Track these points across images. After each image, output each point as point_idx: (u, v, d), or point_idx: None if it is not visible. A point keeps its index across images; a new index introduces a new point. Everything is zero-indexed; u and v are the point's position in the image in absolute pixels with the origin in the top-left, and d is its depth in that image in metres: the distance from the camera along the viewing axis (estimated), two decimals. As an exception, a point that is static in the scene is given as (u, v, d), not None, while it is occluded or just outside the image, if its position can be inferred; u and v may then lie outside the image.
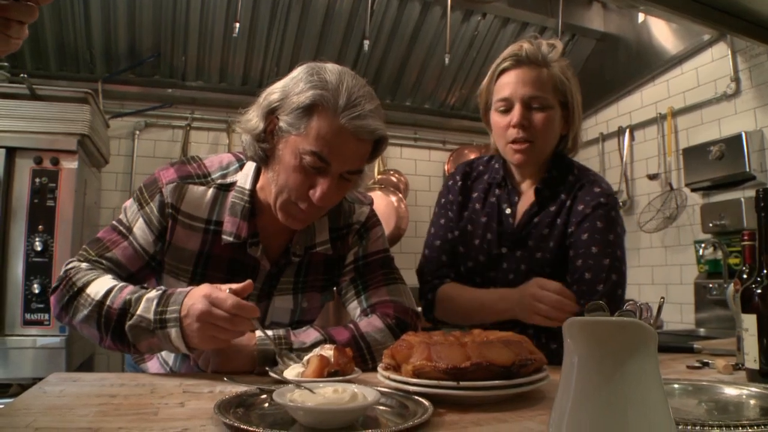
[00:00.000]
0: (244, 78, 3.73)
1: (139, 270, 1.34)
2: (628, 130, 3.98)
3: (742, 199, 3.13)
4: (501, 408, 0.92)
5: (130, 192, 3.43)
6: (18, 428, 0.75)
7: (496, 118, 1.55)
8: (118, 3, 3.18)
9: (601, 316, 0.68)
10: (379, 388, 0.91)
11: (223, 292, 1.09)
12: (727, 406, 0.93)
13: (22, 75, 2.63)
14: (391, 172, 4.19)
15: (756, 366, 1.12)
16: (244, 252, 1.34)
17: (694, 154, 3.38)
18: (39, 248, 2.39)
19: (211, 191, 1.34)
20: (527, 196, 1.60)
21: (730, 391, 0.97)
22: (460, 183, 1.70)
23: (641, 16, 3.77)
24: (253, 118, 1.28)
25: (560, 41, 1.59)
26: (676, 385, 1.00)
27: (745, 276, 1.34)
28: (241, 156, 1.40)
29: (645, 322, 0.55)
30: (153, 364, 1.45)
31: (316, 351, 1.10)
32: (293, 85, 1.23)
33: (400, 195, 4.08)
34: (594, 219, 1.50)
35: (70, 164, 2.49)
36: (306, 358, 1.09)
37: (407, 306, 1.42)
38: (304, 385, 0.88)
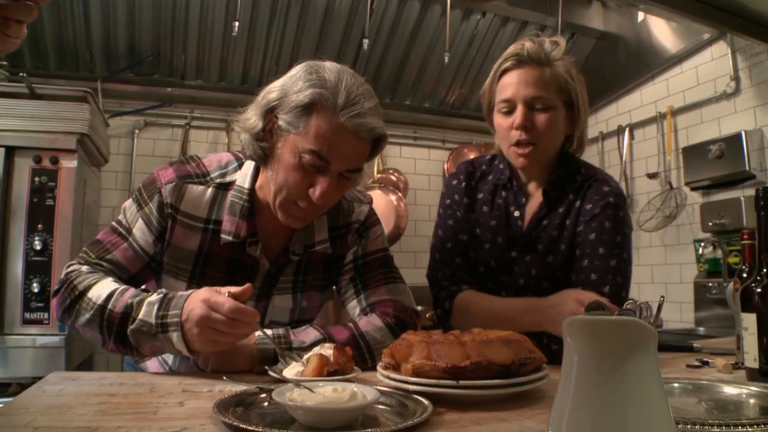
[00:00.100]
0: (244, 77, 3.73)
1: (140, 271, 1.34)
2: (627, 129, 3.98)
3: (742, 198, 3.14)
4: (500, 407, 0.92)
5: (129, 191, 3.43)
6: (17, 427, 0.75)
7: (499, 120, 1.53)
8: (117, 2, 3.17)
9: (601, 314, 0.68)
10: (378, 387, 0.91)
11: (222, 296, 1.09)
12: (727, 405, 0.93)
13: (21, 74, 2.62)
14: (391, 171, 4.19)
15: (756, 365, 1.12)
16: (243, 251, 1.34)
17: (694, 153, 3.38)
18: (38, 247, 2.38)
19: (210, 190, 1.34)
20: (535, 197, 1.57)
21: (730, 390, 0.97)
22: (464, 184, 1.66)
23: (641, 15, 3.77)
24: (251, 117, 1.27)
25: (563, 38, 1.55)
26: (675, 384, 1.00)
27: (744, 275, 1.34)
28: (240, 155, 1.40)
29: (645, 321, 0.55)
30: (152, 364, 1.45)
31: (316, 350, 1.10)
32: (292, 84, 1.22)
33: (400, 194, 4.08)
34: (602, 219, 1.48)
35: (69, 163, 2.49)
36: (305, 357, 1.09)
37: (407, 305, 1.42)
38: (304, 384, 0.88)
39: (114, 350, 1.21)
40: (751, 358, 1.13)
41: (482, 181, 1.66)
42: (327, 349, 1.09)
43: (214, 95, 3.68)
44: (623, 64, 3.97)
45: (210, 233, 1.33)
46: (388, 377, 0.98)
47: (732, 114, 3.32)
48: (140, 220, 1.32)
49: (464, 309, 1.53)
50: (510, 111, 1.49)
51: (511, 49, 1.51)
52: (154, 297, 1.17)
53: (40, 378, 1.09)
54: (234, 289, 1.11)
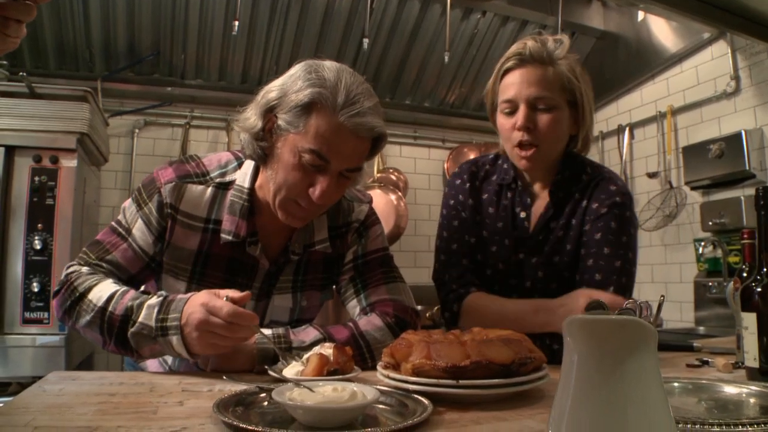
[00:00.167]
0: (244, 76, 3.72)
1: (140, 271, 1.34)
2: (627, 129, 3.98)
3: (742, 198, 3.14)
4: (500, 406, 0.92)
5: (129, 190, 3.42)
6: (17, 427, 0.75)
7: (502, 120, 1.51)
8: (117, 1, 3.17)
9: (602, 314, 0.68)
10: (378, 387, 0.91)
11: (221, 300, 1.09)
12: (727, 405, 0.93)
13: (21, 73, 2.62)
14: (391, 171, 4.19)
15: (756, 364, 1.12)
16: (243, 251, 1.34)
17: (694, 153, 3.38)
18: (38, 247, 2.38)
19: (210, 190, 1.34)
20: (541, 198, 1.55)
21: (730, 390, 0.97)
22: (468, 184, 1.63)
23: (641, 14, 3.77)
24: (251, 116, 1.27)
25: (567, 36, 1.52)
26: (675, 384, 1.00)
27: (744, 274, 1.34)
28: (240, 154, 1.40)
29: (645, 321, 0.55)
30: (152, 363, 1.45)
31: (316, 349, 1.09)
32: (291, 83, 1.22)
33: (400, 193, 4.08)
34: (608, 219, 1.47)
35: (69, 163, 2.49)
36: (305, 356, 1.09)
37: (406, 304, 1.41)
38: (304, 383, 0.88)
39: (114, 351, 1.22)
40: (751, 357, 1.13)
41: (486, 182, 1.63)
42: (327, 349, 1.09)
43: (214, 94, 3.68)
44: (623, 64, 3.97)
45: (210, 233, 1.33)
46: (388, 377, 0.98)
47: (732, 113, 3.32)
48: (140, 221, 1.32)
49: (473, 312, 1.50)
50: (512, 111, 1.47)
51: (514, 48, 1.48)
52: (154, 300, 1.18)
53: (40, 377, 1.09)
54: (232, 293, 1.11)
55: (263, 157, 1.29)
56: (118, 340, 1.19)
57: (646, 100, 3.89)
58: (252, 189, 1.34)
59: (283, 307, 1.44)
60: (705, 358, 1.40)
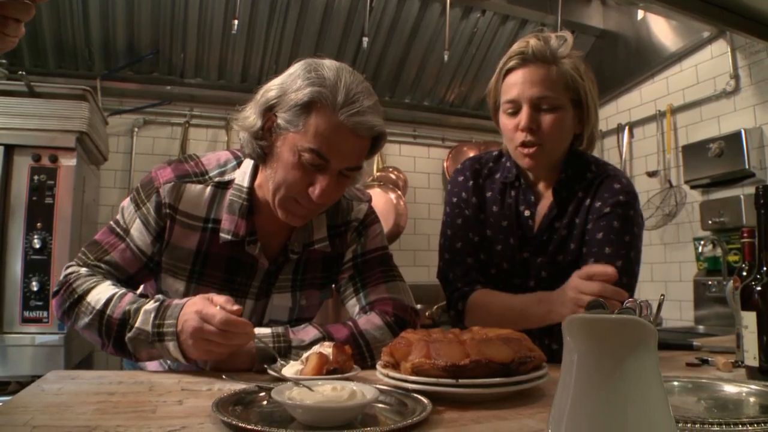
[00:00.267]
0: (243, 75, 3.72)
1: (138, 271, 1.34)
2: (627, 128, 3.99)
3: (742, 197, 3.14)
4: (500, 405, 0.92)
5: (128, 189, 3.42)
6: (16, 426, 0.75)
7: (505, 121, 1.48)
8: (116, 0, 3.17)
9: (601, 313, 0.68)
10: (377, 386, 0.91)
11: (214, 307, 1.10)
12: (727, 404, 0.92)
13: (20, 72, 2.62)
14: (390, 170, 4.19)
15: (756, 363, 1.12)
16: (242, 250, 1.34)
17: (694, 152, 3.38)
18: (37, 246, 2.38)
19: (209, 189, 1.33)
20: (545, 197, 1.54)
21: (730, 389, 0.97)
22: (471, 182, 1.61)
23: (640, 13, 3.77)
24: (250, 115, 1.27)
25: (570, 33, 1.49)
26: (675, 383, 1.00)
27: (744, 273, 1.34)
28: (239, 153, 1.40)
29: (645, 320, 0.55)
30: (151, 362, 1.45)
31: (315, 348, 1.09)
32: (291, 82, 1.22)
33: (399, 192, 4.08)
34: (611, 218, 1.45)
35: (68, 162, 2.48)
36: (305, 355, 1.09)
37: (406, 303, 1.41)
38: (303, 382, 0.88)
39: (113, 353, 1.23)
40: (751, 356, 1.13)
41: (489, 179, 1.62)
42: (326, 348, 1.08)
43: (214, 93, 3.68)
44: (623, 63, 3.97)
45: (209, 232, 1.33)
46: (388, 376, 0.98)
47: (732, 112, 3.32)
48: (138, 221, 1.32)
49: (478, 309, 1.49)
50: (515, 112, 1.45)
51: (516, 47, 1.46)
52: (151, 305, 1.18)
53: (39, 377, 1.09)
54: (225, 303, 1.10)
55: (262, 156, 1.28)
56: (117, 343, 1.20)
57: (645, 99, 3.89)
58: (251, 188, 1.34)
59: (282, 306, 1.44)
60: (705, 357, 1.40)
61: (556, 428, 0.56)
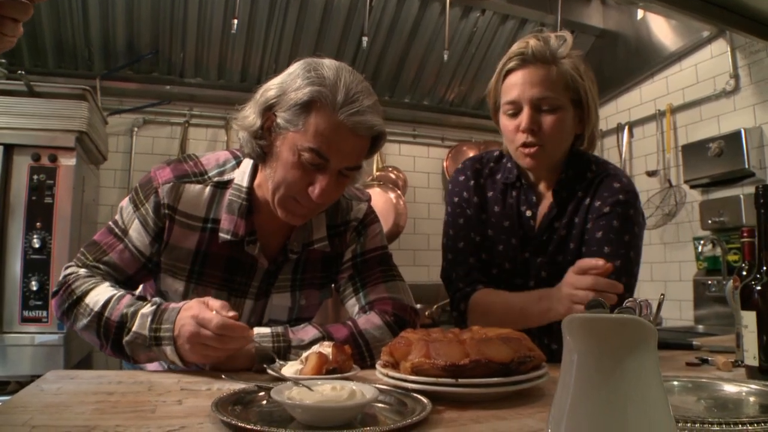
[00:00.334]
0: (243, 74, 3.72)
1: (137, 272, 1.34)
2: (627, 127, 3.98)
3: (741, 196, 3.14)
4: (500, 405, 0.92)
5: (128, 189, 3.42)
6: (15, 426, 0.75)
7: (505, 122, 1.48)
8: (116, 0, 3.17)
9: (601, 312, 0.68)
10: (377, 386, 0.91)
11: (210, 311, 1.10)
12: (727, 404, 0.92)
13: (19, 72, 2.62)
14: (390, 169, 4.19)
15: (755, 363, 1.12)
16: (242, 250, 1.34)
17: (693, 151, 3.38)
18: (37, 245, 2.38)
19: (208, 189, 1.33)
20: (546, 198, 1.54)
21: (730, 389, 0.97)
22: (472, 181, 1.60)
23: (640, 13, 3.77)
24: (250, 114, 1.27)
25: (569, 33, 1.48)
26: (675, 382, 1.00)
27: (744, 273, 1.34)
28: (238, 153, 1.39)
29: (645, 319, 0.55)
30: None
31: (315, 348, 1.09)
32: (290, 82, 1.22)
33: (399, 192, 4.08)
34: (611, 218, 1.44)
35: (68, 161, 2.48)
36: (304, 355, 1.09)
37: (406, 303, 1.41)
38: (303, 382, 0.88)
39: (112, 355, 1.23)
40: (751, 356, 1.13)
41: (491, 179, 1.61)
42: (326, 348, 1.08)
43: (213, 93, 3.67)
44: (623, 62, 3.96)
45: (208, 232, 1.33)
46: (387, 375, 0.98)
47: (731, 112, 3.32)
48: (136, 221, 1.32)
49: (480, 309, 1.49)
50: (516, 113, 1.45)
51: (515, 47, 1.45)
52: (147, 309, 1.18)
53: (38, 376, 1.09)
54: (219, 308, 1.11)
55: (262, 156, 1.28)
56: (115, 345, 1.20)
57: (645, 98, 3.88)
58: (250, 188, 1.34)
59: (281, 305, 1.43)
60: (704, 357, 1.40)
61: (556, 428, 0.56)
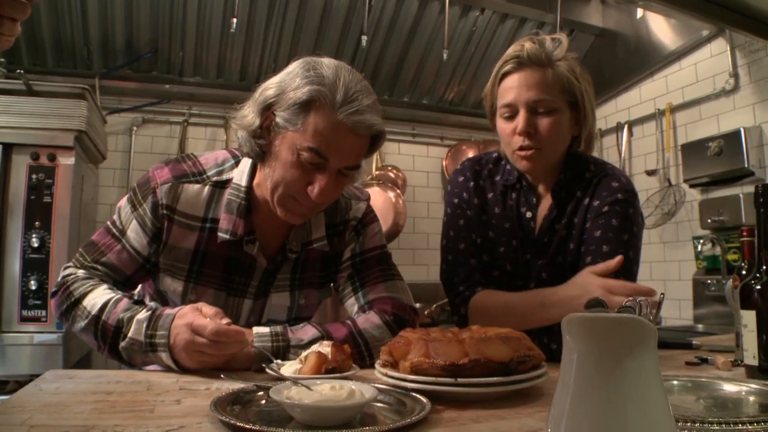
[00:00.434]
0: (242, 73, 3.72)
1: (135, 273, 1.35)
2: (626, 126, 3.98)
3: (741, 195, 3.13)
4: (499, 405, 0.91)
5: (127, 188, 3.42)
6: (13, 426, 0.75)
7: (502, 125, 1.48)
8: (115, -2, 3.17)
9: (601, 312, 0.68)
10: (376, 385, 0.91)
11: (204, 318, 1.11)
12: (726, 403, 0.92)
13: (18, 71, 2.62)
14: (389, 168, 4.19)
15: (755, 362, 1.12)
16: (241, 249, 1.34)
17: (693, 150, 3.38)
18: (36, 245, 2.38)
19: (207, 189, 1.33)
20: (546, 199, 1.54)
21: (729, 388, 0.97)
22: (472, 183, 1.60)
23: (640, 12, 3.77)
24: (248, 114, 1.26)
25: (565, 35, 1.48)
26: (675, 382, 0.99)
27: (743, 272, 1.34)
28: (237, 152, 1.39)
29: (644, 318, 0.55)
30: (149, 362, 1.45)
31: (314, 348, 1.09)
32: (289, 81, 1.21)
33: (398, 191, 4.08)
34: (609, 216, 1.44)
35: (67, 160, 2.48)
36: (303, 354, 1.09)
37: (405, 302, 1.41)
38: (302, 382, 0.88)
39: (109, 357, 1.24)
40: (751, 355, 1.13)
41: (490, 181, 1.61)
42: (325, 347, 1.08)
43: (212, 92, 3.67)
44: (622, 61, 3.96)
45: (207, 232, 1.33)
46: (387, 375, 0.98)
47: (731, 111, 3.32)
48: (134, 222, 1.32)
49: (480, 312, 1.48)
50: (512, 116, 1.45)
51: (511, 50, 1.45)
52: (143, 314, 1.18)
53: (37, 375, 1.09)
54: (213, 315, 1.11)
55: (261, 155, 1.28)
56: (112, 348, 1.21)
57: (645, 97, 3.88)
58: (249, 187, 1.34)
59: (280, 305, 1.43)
60: (704, 356, 1.39)
61: (556, 428, 0.56)
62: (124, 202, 1.36)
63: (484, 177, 1.62)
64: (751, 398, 0.94)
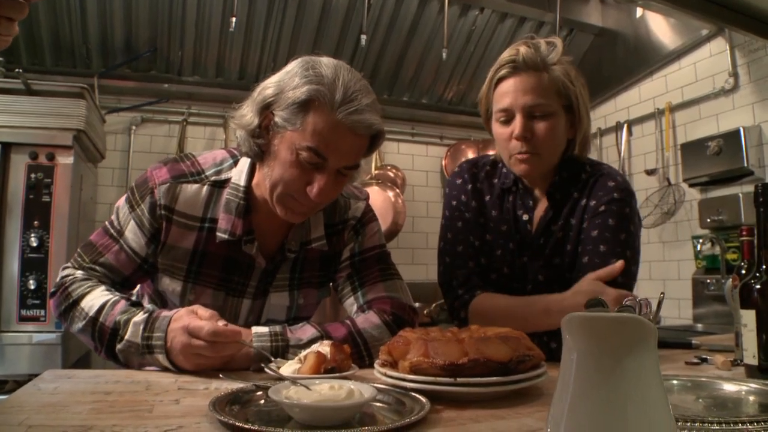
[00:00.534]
0: (241, 73, 3.71)
1: (133, 273, 1.35)
2: (626, 126, 3.98)
3: (740, 195, 3.13)
4: (499, 404, 0.91)
5: (126, 187, 3.41)
6: (11, 426, 0.74)
7: (498, 129, 1.48)
8: (113, -3, 3.17)
9: (601, 311, 0.68)
10: (375, 385, 0.91)
11: (200, 320, 1.11)
12: (726, 403, 0.92)
13: (17, 70, 2.61)
14: (389, 168, 4.19)
15: (755, 362, 1.12)
16: (239, 249, 1.33)
17: (692, 150, 3.38)
18: (35, 244, 2.38)
19: (205, 189, 1.33)
20: (543, 201, 1.53)
21: (729, 387, 0.97)
22: (470, 185, 1.60)
23: (639, 11, 3.76)
24: (247, 113, 1.26)
25: (559, 38, 1.48)
26: (674, 381, 0.99)
27: (743, 271, 1.34)
28: (236, 152, 1.39)
29: (644, 318, 0.55)
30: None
31: (313, 347, 1.09)
32: (288, 80, 1.21)
33: (398, 190, 4.08)
34: (606, 216, 1.44)
35: (65, 160, 2.48)
36: (302, 354, 1.08)
37: (404, 302, 1.41)
38: (301, 381, 0.87)
39: (106, 358, 1.24)
40: (750, 354, 1.13)
41: (487, 183, 1.61)
42: (324, 347, 1.08)
43: (211, 91, 3.67)
44: (621, 61, 3.96)
45: (206, 232, 1.33)
46: (386, 375, 0.98)
47: (730, 110, 3.31)
48: (132, 222, 1.32)
49: (480, 316, 1.47)
50: (508, 120, 1.45)
51: (506, 55, 1.45)
52: (140, 317, 1.18)
53: (36, 375, 1.09)
54: (209, 318, 1.12)
55: (260, 155, 1.28)
56: (109, 350, 1.21)
57: (644, 97, 3.88)
58: (248, 187, 1.33)
59: (279, 305, 1.43)
60: (704, 356, 1.39)
61: (555, 427, 0.56)
62: (122, 202, 1.36)
63: (482, 179, 1.62)
64: (751, 398, 0.94)
